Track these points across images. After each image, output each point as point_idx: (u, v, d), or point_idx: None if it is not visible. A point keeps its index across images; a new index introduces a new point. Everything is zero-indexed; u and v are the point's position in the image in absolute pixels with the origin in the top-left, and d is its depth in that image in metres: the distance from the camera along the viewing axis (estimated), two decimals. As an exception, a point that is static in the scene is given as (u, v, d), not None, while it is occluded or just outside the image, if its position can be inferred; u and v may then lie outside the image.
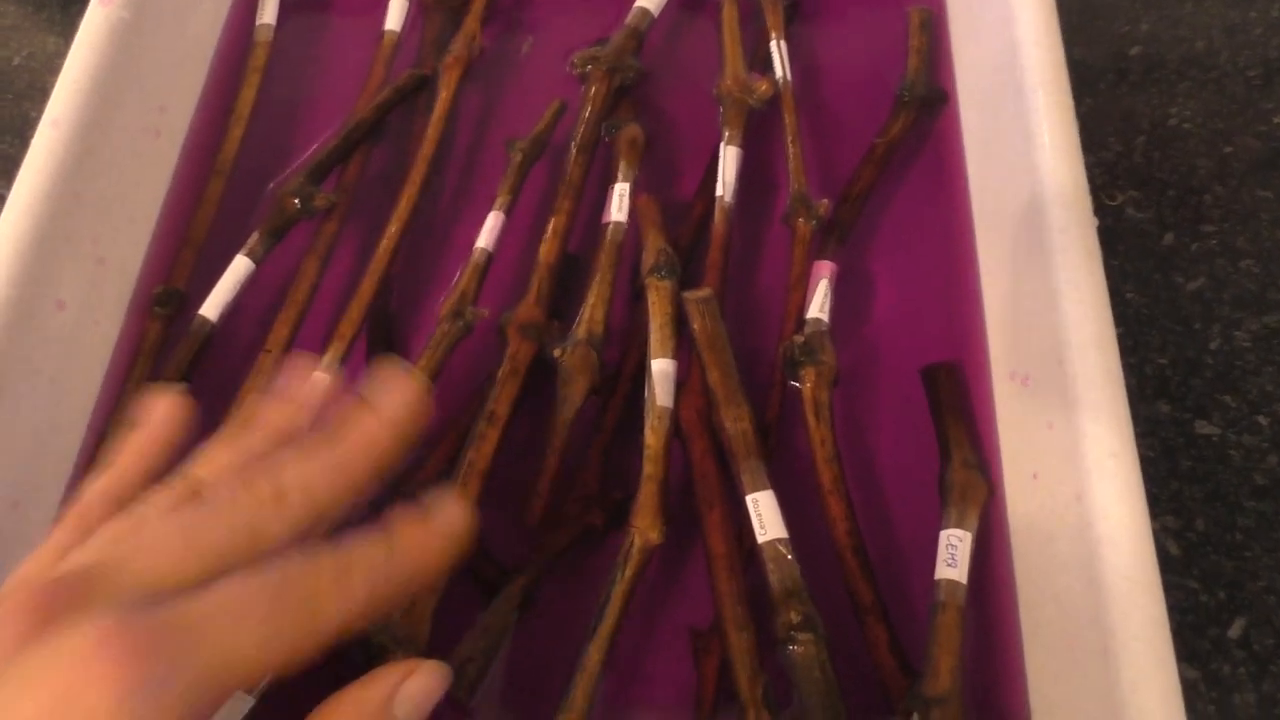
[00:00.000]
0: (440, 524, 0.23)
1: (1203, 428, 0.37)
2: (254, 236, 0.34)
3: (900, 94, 0.39)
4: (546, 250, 0.35)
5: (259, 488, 0.22)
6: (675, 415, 0.32)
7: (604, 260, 0.34)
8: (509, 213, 0.36)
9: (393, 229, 0.35)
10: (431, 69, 0.40)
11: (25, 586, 0.20)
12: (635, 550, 0.29)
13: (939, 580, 0.29)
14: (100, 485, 0.24)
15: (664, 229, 0.35)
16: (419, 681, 0.23)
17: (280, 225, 0.35)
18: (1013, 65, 0.34)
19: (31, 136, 0.41)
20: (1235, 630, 0.33)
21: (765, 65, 0.39)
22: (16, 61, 0.46)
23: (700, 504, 0.31)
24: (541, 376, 0.33)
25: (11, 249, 0.30)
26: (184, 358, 0.33)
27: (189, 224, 0.37)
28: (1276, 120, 0.43)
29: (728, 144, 0.37)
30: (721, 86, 0.38)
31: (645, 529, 0.29)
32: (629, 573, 0.29)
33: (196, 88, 0.39)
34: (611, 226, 0.35)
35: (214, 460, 0.24)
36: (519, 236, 0.36)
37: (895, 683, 0.29)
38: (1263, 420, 0.37)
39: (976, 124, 0.38)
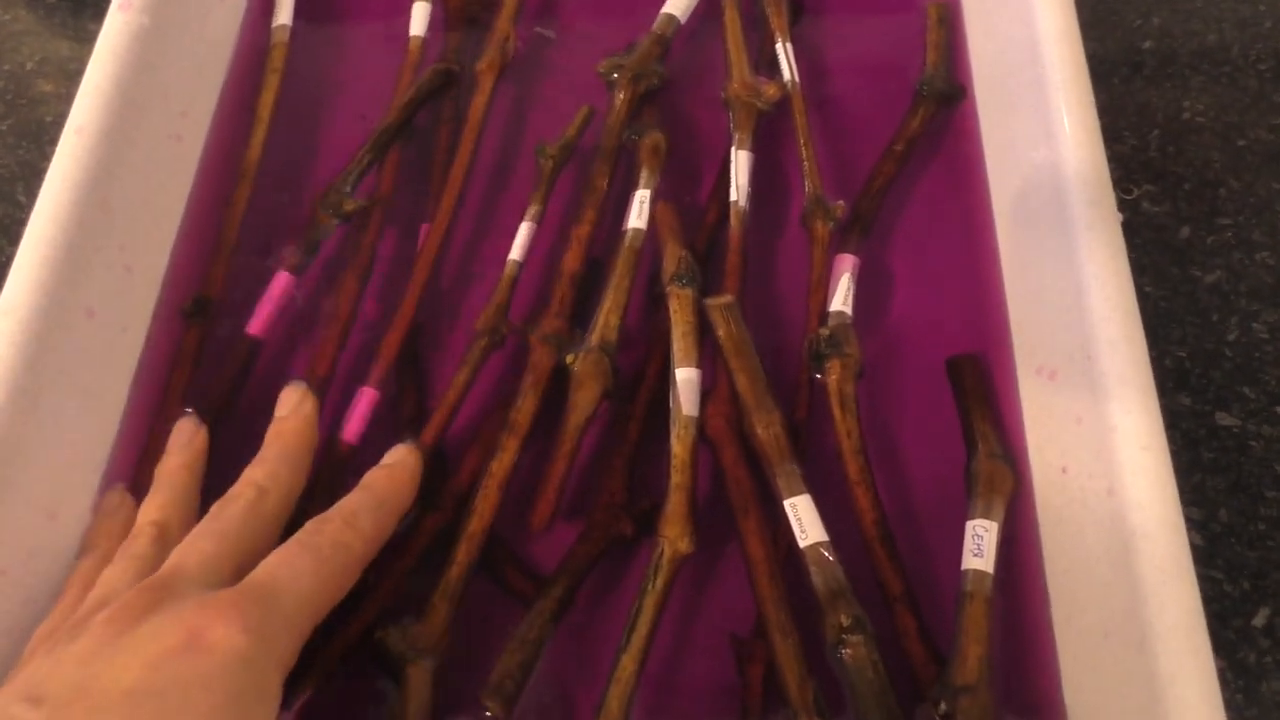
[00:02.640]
0: (397, 465, 0.30)
1: (1223, 419, 0.37)
2: (292, 250, 0.34)
3: (919, 89, 0.39)
4: (570, 259, 0.35)
5: (330, 524, 0.28)
6: (701, 423, 0.32)
7: (621, 266, 0.34)
8: (540, 221, 0.36)
9: (432, 240, 0.35)
10: (456, 65, 0.39)
11: (113, 589, 0.26)
12: (665, 560, 0.29)
13: (966, 570, 0.30)
14: (149, 516, 0.29)
15: (683, 236, 0.35)
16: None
17: (318, 237, 0.35)
18: (1033, 61, 0.35)
19: (48, 142, 0.42)
20: (1260, 619, 0.34)
21: (773, 67, 0.39)
22: (30, 67, 0.45)
23: (735, 511, 0.31)
24: (563, 387, 0.33)
25: (41, 256, 0.30)
26: (228, 375, 0.33)
27: (214, 228, 0.37)
28: (1288, 113, 0.43)
29: (738, 148, 0.37)
30: (729, 90, 0.38)
31: (675, 538, 0.29)
32: (660, 583, 0.29)
33: (215, 91, 0.39)
34: (630, 233, 0.35)
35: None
36: (546, 243, 0.36)
37: (925, 670, 0.29)
38: (1282, 411, 0.37)
39: (995, 119, 0.38)
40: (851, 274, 0.35)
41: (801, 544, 0.29)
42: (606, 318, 0.33)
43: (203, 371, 0.34)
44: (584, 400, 0.32)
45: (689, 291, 0.33)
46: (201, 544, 0.26)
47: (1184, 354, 0.38)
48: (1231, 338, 0.38)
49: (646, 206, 0.35)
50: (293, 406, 0.31)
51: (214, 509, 0.28)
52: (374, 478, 0.30)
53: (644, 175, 0.36)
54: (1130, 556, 0.27)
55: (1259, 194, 0.41)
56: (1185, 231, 0.41)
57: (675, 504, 0.30)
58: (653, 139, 0.37)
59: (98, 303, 0.32)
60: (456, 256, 0.37)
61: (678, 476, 0.30)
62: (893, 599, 0.30)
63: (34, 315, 0.30)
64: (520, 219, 0.36)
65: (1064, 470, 0.31)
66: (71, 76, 0.33)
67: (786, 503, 0.30)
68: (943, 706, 0.28)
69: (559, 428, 0.32)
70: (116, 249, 0.33)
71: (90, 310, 0.32)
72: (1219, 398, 0.37)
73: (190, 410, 0.32)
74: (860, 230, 0.36)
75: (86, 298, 0.32)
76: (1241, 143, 0.42)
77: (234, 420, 0.33)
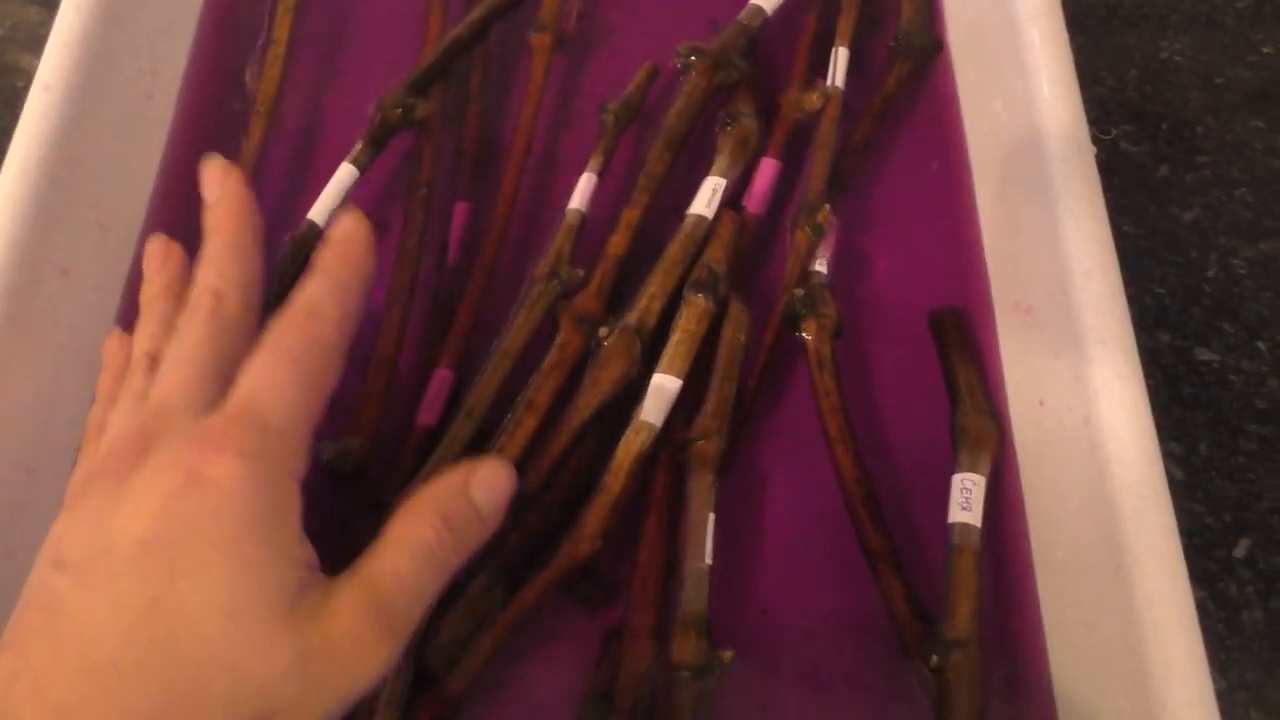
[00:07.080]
0: (346, 238, 0.26)
1: (1203, 355, 0.37)
2: (358, 145, 0.34)
3: (895, 43, 0.39)
4: (615, 242, 0.33)
5: (295, 321, 0.25)
6: (686, 441, 0.30)
7: (674, 251, 0.32)
8: (601, 175, 0.35)
9: (498, 216, 0.35)
10: None
11: (114, 436, 0.26)
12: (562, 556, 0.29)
13: (953, 524, 0.29)
14: (142, 347, 0.28)
15: (731, 245, 0.33)
16: (488, 470, 0.26)
17: (382, 134, 0.34)
18: (1005, 3, 0.34)
19: (21, 109, 0.41)
20: (1241, 550, 0.34)
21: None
22: (1, 34, 0.45)
23: (645, 508, 0.30)
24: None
25: (12, 214, 0.30)
26: (290, 258, 0.32)
27: (189, 188, 0.36)
28: (1266, 51, 0.43)
29: (766, 154, 0.36)
30: (782, 96, 0.37)
31: (580, 539, 0.29)
32: (549, 574, 0.29)
33: (185, 48, 0.39)
34: (693, 219, 0.33)
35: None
36: (608, 204, 0.35)
37: (911, 629, 0.29)
38: (1262, 345, 0.37)
39: (970, 66, 0.38)
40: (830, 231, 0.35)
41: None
42: (649, 301, 0.31)
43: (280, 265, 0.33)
44: (605, 378, 0.30)
45: (704, 302, 0.32)
46: (177, 370, 0.25)
47: (1163, 291, 0.38)
48: (1211, 274, 0.38)
49: (719, 196, 0.34)
50: (219, 186, 0.28)
51: (178, 326, 0.26)
52: (325, 258, 0.27)
53: (722, 162, 0.34)
54: (1107, 482, 0.27)
55: (1236, 132, 0.41)
56: (1164, 170, 0.41)
57: (596, 507, 0.29)
58: (743, 129, 0.35)
59: (73, 262, 0.32)
60: (512, 235, 0.36)
61: (609, 478, 0.29)
62: (876, 557, 0.30)
63: (8, 273, 0.30)
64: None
65: (1041, 403, 0.31)
66: (43, 42, 0.33)
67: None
68: (934, 660, 0.27)
69: (572, 400, 0.31)
70: (89, 206, 0.33)
71: (65, 269, 0.32)
72: (1198, 334, 0.37)
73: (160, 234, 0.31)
74: (837, 188, 0.36)
75: (61, 257, 0.31)
76: (1219, 81, 0.42)
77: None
